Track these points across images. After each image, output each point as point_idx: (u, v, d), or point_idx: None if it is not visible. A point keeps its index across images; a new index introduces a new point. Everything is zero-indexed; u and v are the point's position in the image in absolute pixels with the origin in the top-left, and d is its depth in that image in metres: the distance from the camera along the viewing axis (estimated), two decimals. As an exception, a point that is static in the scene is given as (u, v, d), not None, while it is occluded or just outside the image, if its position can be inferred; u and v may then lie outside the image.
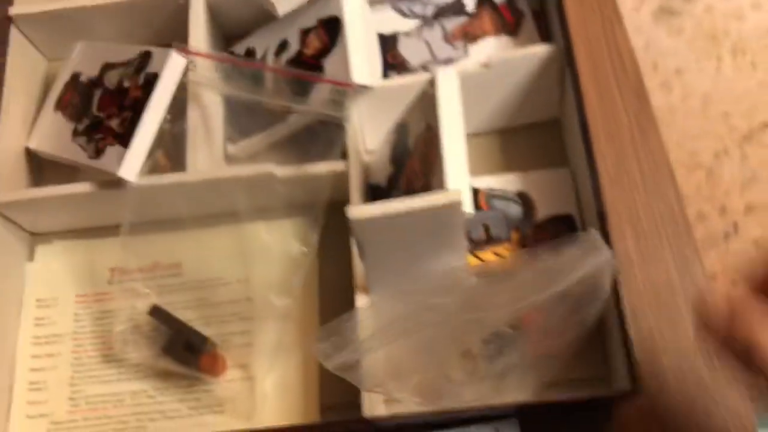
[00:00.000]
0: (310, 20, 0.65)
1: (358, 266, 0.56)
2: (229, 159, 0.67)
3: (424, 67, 0.67)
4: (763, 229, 0.91)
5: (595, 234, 0.47)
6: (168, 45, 0.64)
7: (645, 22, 1.04)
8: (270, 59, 0.67)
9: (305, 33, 0.65)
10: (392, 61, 0.69)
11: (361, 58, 0.60)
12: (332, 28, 0.63)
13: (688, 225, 0.64)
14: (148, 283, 0.64)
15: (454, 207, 0.48)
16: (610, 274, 0.47)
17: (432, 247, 0.51)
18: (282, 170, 0.60)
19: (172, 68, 0.61)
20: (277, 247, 0.62)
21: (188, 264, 0.65)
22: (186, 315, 0.62)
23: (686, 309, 0.61)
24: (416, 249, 0.52)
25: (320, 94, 0.60)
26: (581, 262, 0.45)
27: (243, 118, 0.65)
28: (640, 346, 0.55)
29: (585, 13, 0.69)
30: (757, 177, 0.94)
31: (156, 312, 0.61)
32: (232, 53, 0.72)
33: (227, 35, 0.73)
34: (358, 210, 0.48)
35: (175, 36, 0.66)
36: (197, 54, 0.63)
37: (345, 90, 0.57)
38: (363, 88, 0.60)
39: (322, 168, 0.60)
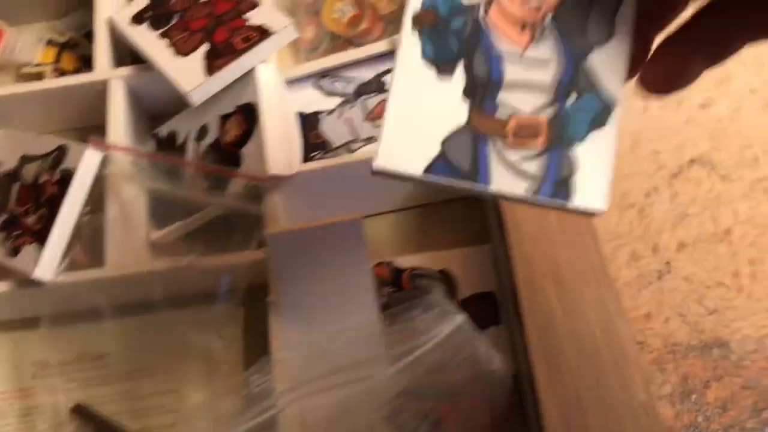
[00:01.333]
0: (228, 106, 0.65)
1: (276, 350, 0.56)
2: (152, 246, 0.66)
3: (347, 147, 0.68)
4: (695, 265, 0.93)
5: (444, 301, 0.48)
6: (91, 128, 0.63)
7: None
8: (191, 144, 0.67)
9: (224, 119, 0.65)
10: (314, 141, 0.68)
11: (277, 148, 0.60)
12: (250, 113, 0.62)
13: (610, 279, 0.65)
14: (72, 376, 0.63)
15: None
16: (468, 339, 0.47)
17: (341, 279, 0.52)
18: (200, 261, 0.60)
19: (87, 165, 0.60)
20: (199, 336, 0.61)
21: (113, 355, 0.64)
22: (112, 408, 0.61)
23: (611, 364, 0.62)
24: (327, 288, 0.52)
25: (236, 186, 0.60)
26: (435, 328, 0.45)
27: (164, 207, 0.65)
28: (564, 401, 0.55)
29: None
30: (687, 213, 0.96)
31: (79, 411, 0.60)
32: (155, 135, 0.71)
33: (151, 115, 0.72)
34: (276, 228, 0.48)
35: (97, 118, 0.66)
36: (114, 148, 0.62)
37: (257, 184, 0.57)
38: (279, 179, 0.59)
39: (240, 258, 0.60)
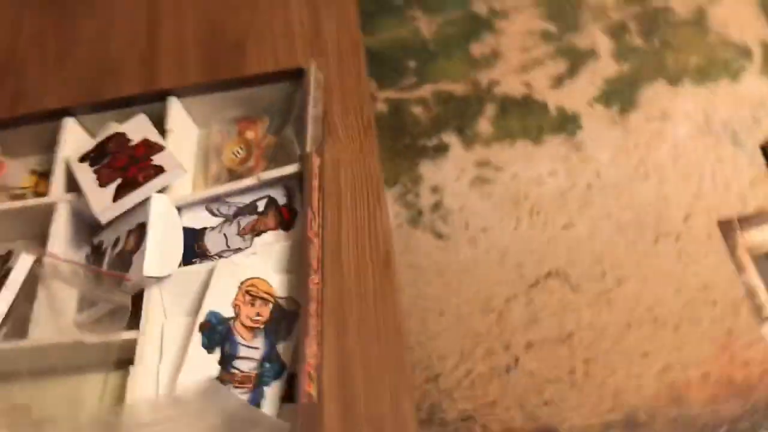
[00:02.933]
0: (132, 224, 0.88)
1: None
2: (78, 325, 0.88)
3: (219, 255, 0.90)
4: (539, 362, 1.11)
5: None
6: (42, 237, 0.86)
7: (463, 189, 1.28)
8: (108, 251, 0.90)
9: (129, 233, 0.88)
10: (198, 250, 0.91)
11: (154, 255, 0.82)
12: (144, 229, 0.86)
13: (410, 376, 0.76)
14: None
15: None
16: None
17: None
18: (89, 338, 0.81)
19: (22, 265, 0.83)
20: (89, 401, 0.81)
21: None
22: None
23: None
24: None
25: (118, 284, 0.83)
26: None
27: (85, 297, 0.87)
28: None
29: (351, 201, 0.85)
30: (538, 318, 1.14)
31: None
32: (91, 242, 0.94)
33: (94, 227, 0.94)
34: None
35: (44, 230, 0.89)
36: (49, 254, 0.86)
37: (125, 282, 0.79)
38: (152, 279, 0.82)
39: (118, 337, 0.81)
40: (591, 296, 1.13)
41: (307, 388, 0.69)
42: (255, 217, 0.92)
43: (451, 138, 1.31)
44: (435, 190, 1.26)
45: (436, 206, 1.23)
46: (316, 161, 0.86)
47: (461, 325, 1.11)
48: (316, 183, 0.84)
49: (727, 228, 1.11)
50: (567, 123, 1.28)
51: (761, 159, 1.16)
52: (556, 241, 1.19)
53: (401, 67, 1.38)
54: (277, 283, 0.81)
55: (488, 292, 1.16)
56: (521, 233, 1.21)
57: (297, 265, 0.81)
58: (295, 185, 0.89)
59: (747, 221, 1.11)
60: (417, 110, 1.36)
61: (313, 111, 0.89)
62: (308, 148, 0.87)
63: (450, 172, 1.28)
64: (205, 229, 0.92)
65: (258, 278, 0.80)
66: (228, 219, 0.92)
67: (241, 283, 0.78)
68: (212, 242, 0.92)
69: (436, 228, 1.22)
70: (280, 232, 0.89)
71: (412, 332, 1.11)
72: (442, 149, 1.31)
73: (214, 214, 0.93)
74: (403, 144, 1.30)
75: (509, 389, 1.08)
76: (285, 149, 0.94)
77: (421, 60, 1.39)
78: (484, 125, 1.31)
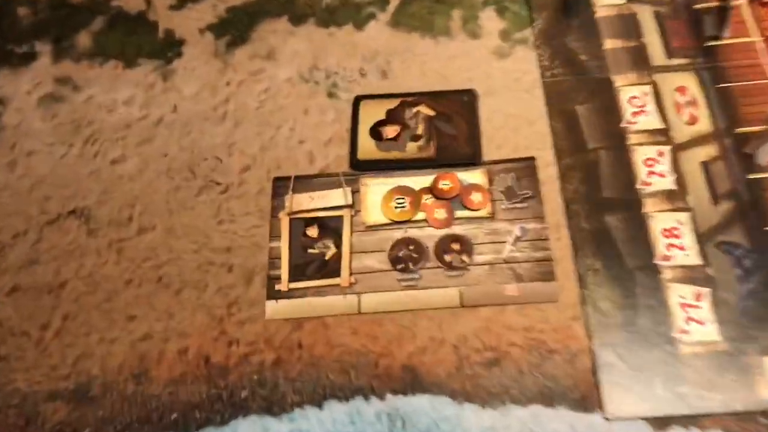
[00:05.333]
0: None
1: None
2: None
3: None
4: (15, 310, 0.92)
5: None
6: None
7: (29, 106, 1.07)
8: None
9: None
10: None
11: None
12: None
13: None
14: None
15: None
16: None
17: None
18: None
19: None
20: None
21: None
22: None
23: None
24: None
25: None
26: None
27: None
28: None
29: None
30: (39, 261, 0.95)
31: None
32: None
33: None
34: None
35: None
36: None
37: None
38: None
39: None
40: (105, 243, 0.94)
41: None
42: None
43: (44, 47, 1.11)
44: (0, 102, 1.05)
45: (-10, 120, 1.03)
46: None
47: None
48: None
49: (280, 187, 0.93)
50: (169, 49, 1.09)
51: (348, 116, 0.98)
52: (99, 175, 0.99)
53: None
54: None
55: (0, 223, 0.97)
56: (66, 163, 1.01)
57: None
58: None
59: (303, 183, 0.93)
60: (23, 12, 1.15)
61: None
62: None
63: (24, 84, 1.07)
64: None
65: None
66: None
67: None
68: None
69: (-25, 145, 1.02)
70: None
71: None
72: (28, 58, 1.10)
73: None
74: (-6, 47, 1.10)
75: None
76: None
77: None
78: (85, 39, 1.11)
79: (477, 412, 0.78)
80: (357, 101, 1.00)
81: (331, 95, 1.02)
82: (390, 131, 0.96)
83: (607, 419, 0.76)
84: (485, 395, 0.80)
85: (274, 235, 0.91)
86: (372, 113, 0.98)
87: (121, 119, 1.03)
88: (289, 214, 0.92)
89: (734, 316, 0.81)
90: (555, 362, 0.81)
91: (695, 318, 0.81)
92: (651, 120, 0.94)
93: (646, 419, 0.77)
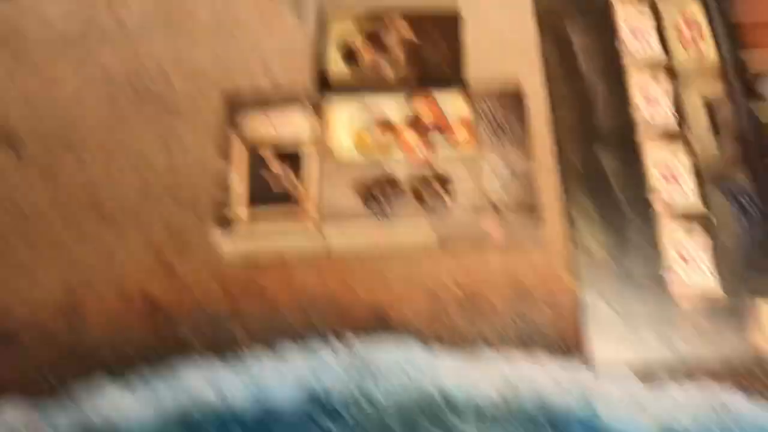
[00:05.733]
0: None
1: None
2: None
3: None
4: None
5: None
6: None
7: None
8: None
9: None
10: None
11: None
12: None
13: None
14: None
15: None
16: None
17: None
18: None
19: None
20: None
21: None
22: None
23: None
24: None
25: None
26: None
27: None
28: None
29: None
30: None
31: None
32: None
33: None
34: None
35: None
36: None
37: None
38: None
39: None
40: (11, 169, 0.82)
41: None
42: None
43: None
44: None
45: None
46: None
47: None
48: None
49: (234, 106, 0.82)
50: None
51: (313, 37, 0.88)
52: (35, 95, 0.87)
53: None
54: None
55: None
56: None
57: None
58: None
59: (260, 101, 0.82)
60: None
61: None
62: None
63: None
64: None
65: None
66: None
67: None
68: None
69: None
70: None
71: None
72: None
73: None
74: None
75: None
76: None
77: None
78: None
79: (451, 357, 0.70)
80: (325, 16, 0.89)
81: (300, 15, 0.92)
82: (366, 53, 0.87)
83: (589, 365, 0.70)
84: (460, 340, 0.73)
85: (225, 156, 0.81)
86: (345, 32, 0.88)
87: (56, 31, 0.91)
88: (245, 142, 0.82)
89: (731, 258, 0.75)
90: (537, 305, 0.74)
91: (687, 258, 0.75)
92: (649, 47, 0.87)
93: (632, 366, 0.70)
